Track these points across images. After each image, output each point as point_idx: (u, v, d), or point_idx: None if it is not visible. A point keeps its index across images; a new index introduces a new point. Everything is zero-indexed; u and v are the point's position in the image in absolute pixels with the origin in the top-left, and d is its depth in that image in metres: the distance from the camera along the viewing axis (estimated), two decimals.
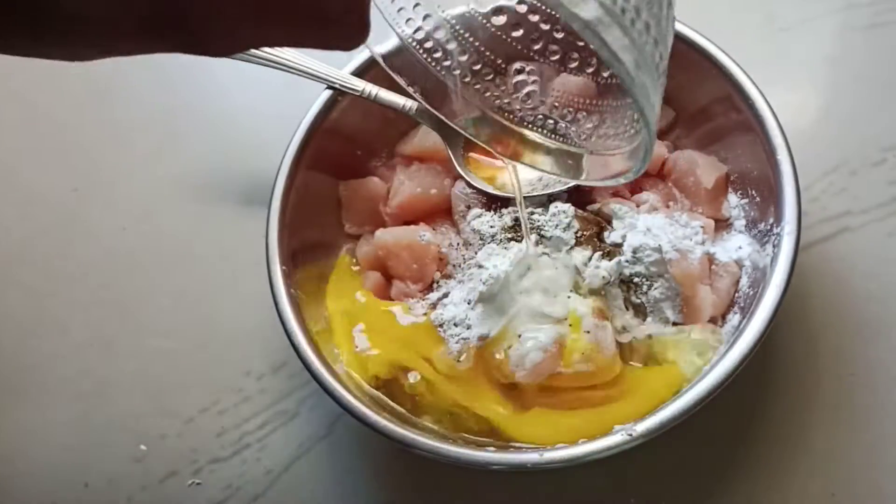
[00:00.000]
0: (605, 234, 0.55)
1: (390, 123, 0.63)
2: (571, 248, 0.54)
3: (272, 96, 0.72)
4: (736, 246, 0.55)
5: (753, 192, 0.55)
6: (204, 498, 0.57)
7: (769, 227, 0.52)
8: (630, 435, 0.45)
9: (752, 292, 0.51)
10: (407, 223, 0.58)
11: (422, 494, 0.55)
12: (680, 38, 0.56)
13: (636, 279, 0.53)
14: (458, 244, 0.57)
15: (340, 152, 0.61)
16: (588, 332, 0.51)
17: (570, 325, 0.51)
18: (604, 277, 0.52)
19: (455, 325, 0.52)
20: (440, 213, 0.59)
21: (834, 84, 0.65)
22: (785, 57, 0.66)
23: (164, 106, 0.74)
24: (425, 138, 0.60)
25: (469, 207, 0.56)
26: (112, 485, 0.59)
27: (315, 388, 0.53)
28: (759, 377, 0.54)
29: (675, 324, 0.53)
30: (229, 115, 0.73)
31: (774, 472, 0.52)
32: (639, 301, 0.53)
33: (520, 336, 0.51)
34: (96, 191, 0.70)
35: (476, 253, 0.55)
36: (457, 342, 0.52)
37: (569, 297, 0.52)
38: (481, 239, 0.55)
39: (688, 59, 0.56)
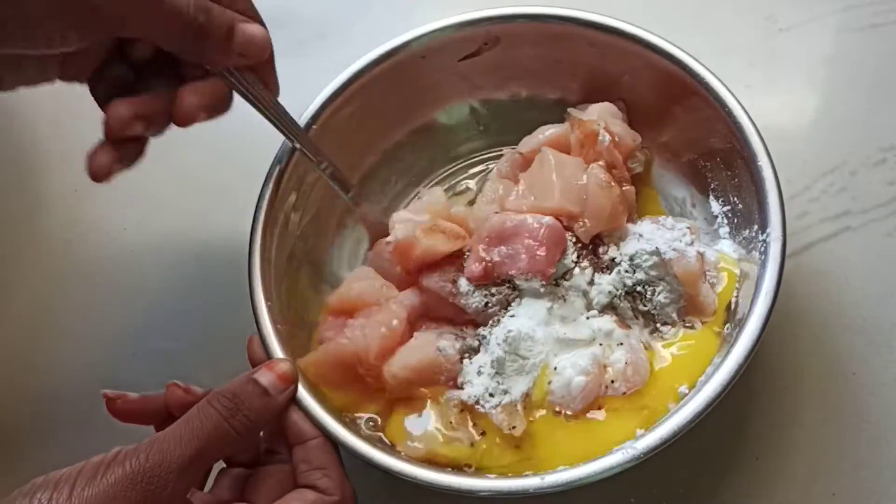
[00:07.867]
0: (600, 249, 0.54)
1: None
2: (572, 270, 0.53)
3: None
4: (721, 248, 0.55)
5: (735, 199, 0.54)
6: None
7: (754, 234, 0.51)
8: (632, 452, 0.45)
9: (742, 300, 0.51)
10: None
11: (422, 493, 0.55)
12: (658, 49, 0.54)
13: (639, 288, 0.53)
14: (462, 330, 0.54)
15: None
16: (621, 343, 0.51)
17: (601, 345, 0.51)
18: (610, 292, 0.52)
19: (491, 395, 0.50)
20: (422, 320, 0.54)
21: (834, 84, 0.66)
22: (785, 57, 0.66)
23: None
24: (348, 287, 0.56)
25: (454, 281, 0.53)
26: None
27: None
28: (760, 378, 0.54)
29: (686, 325, 0.53)
30: (229, 116, 0.73)
31: (775, 472, 0.52)
32: (646, 308, 0.53)
33: (555, 369, 0.50)
34: (96, 191, 0.70)
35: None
36: (501, 412, 0.50)
37: (587, 317, 0.52)
38: (485, 308, 0.53)
39: (664, 72, 0.55)
